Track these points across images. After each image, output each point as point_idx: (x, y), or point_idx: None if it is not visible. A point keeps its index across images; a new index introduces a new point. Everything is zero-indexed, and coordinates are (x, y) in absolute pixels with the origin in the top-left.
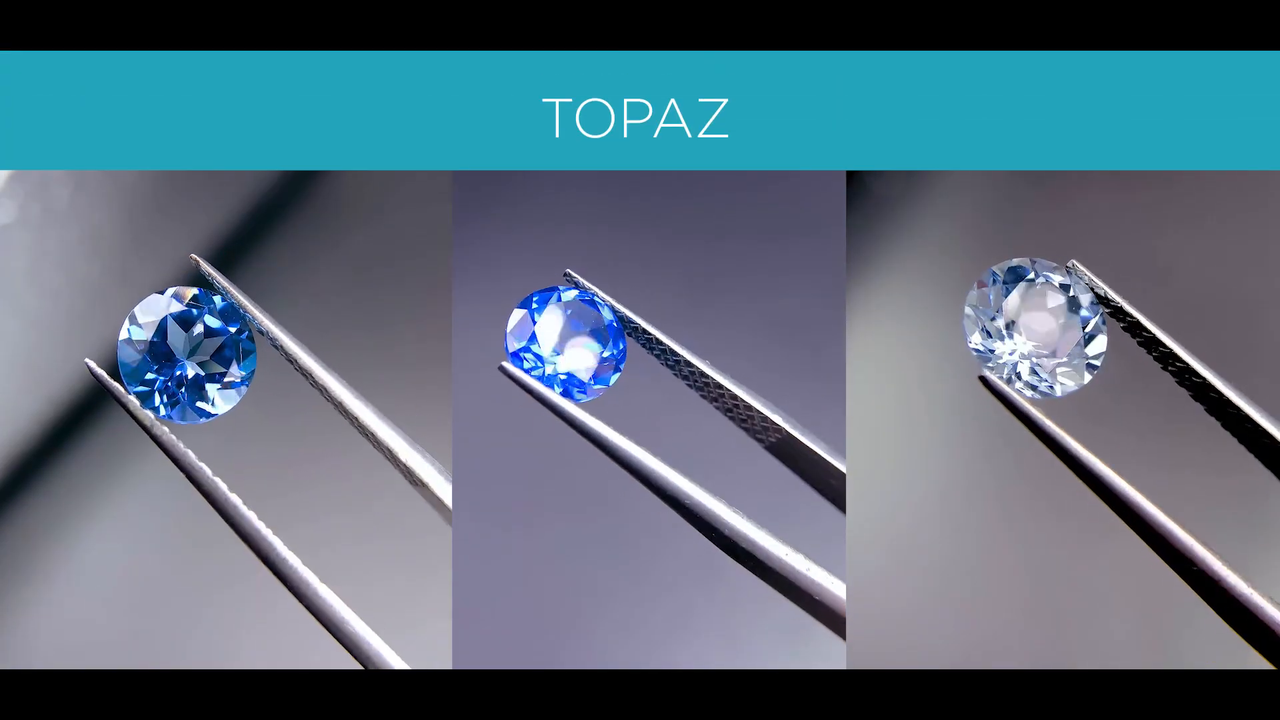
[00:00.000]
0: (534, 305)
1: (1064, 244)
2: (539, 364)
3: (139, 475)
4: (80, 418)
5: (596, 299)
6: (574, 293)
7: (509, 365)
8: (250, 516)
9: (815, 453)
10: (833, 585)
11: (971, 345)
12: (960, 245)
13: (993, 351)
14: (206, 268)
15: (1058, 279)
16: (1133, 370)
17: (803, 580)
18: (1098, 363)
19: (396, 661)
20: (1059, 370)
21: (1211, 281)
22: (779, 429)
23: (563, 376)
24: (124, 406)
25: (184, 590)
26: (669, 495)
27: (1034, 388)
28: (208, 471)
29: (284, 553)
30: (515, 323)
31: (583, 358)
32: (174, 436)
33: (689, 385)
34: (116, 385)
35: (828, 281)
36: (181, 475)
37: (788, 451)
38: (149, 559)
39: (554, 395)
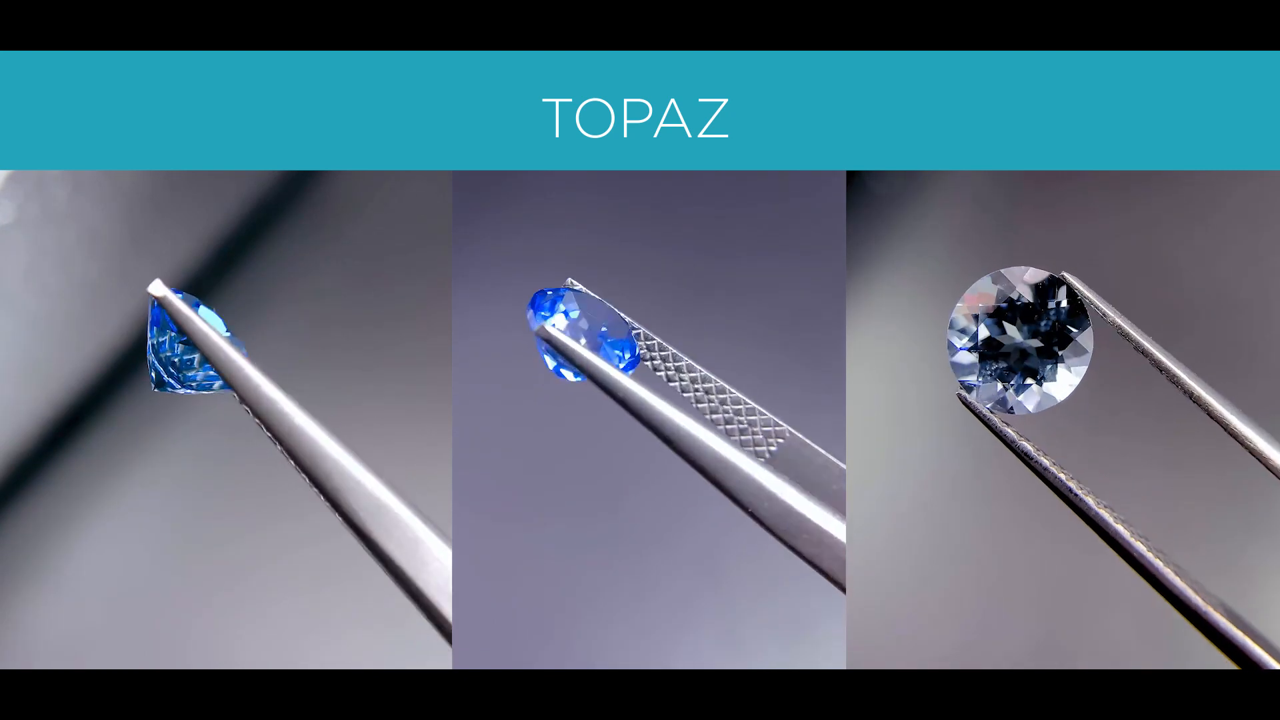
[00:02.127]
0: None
1: (1064, 244)
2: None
3: (139, 475)
4: (80, 418)
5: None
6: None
7: (544, 326)
8: (320, 436)
9: (819, 454)
10: (833, 527)
11: (951, 360)
12: (960, 245)
13: (982, 359)
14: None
15: (1048, 291)
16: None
17: (828, 541)
18: (1080, 374)
19: (437, 543)
20: (1034, 387)
21: (1212, 282)
22: (782, 433)
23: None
24: (181, 324)
25: (184, 590)
26: (696, 460)
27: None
28: (269, 389)
29: (373, 488)
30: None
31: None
32: (230, 350)
33: (688, 395)
34: (184, 308)
35: (827, 281)
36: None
37: (792, 460)
38: (149, 559)
39: (589, 354)
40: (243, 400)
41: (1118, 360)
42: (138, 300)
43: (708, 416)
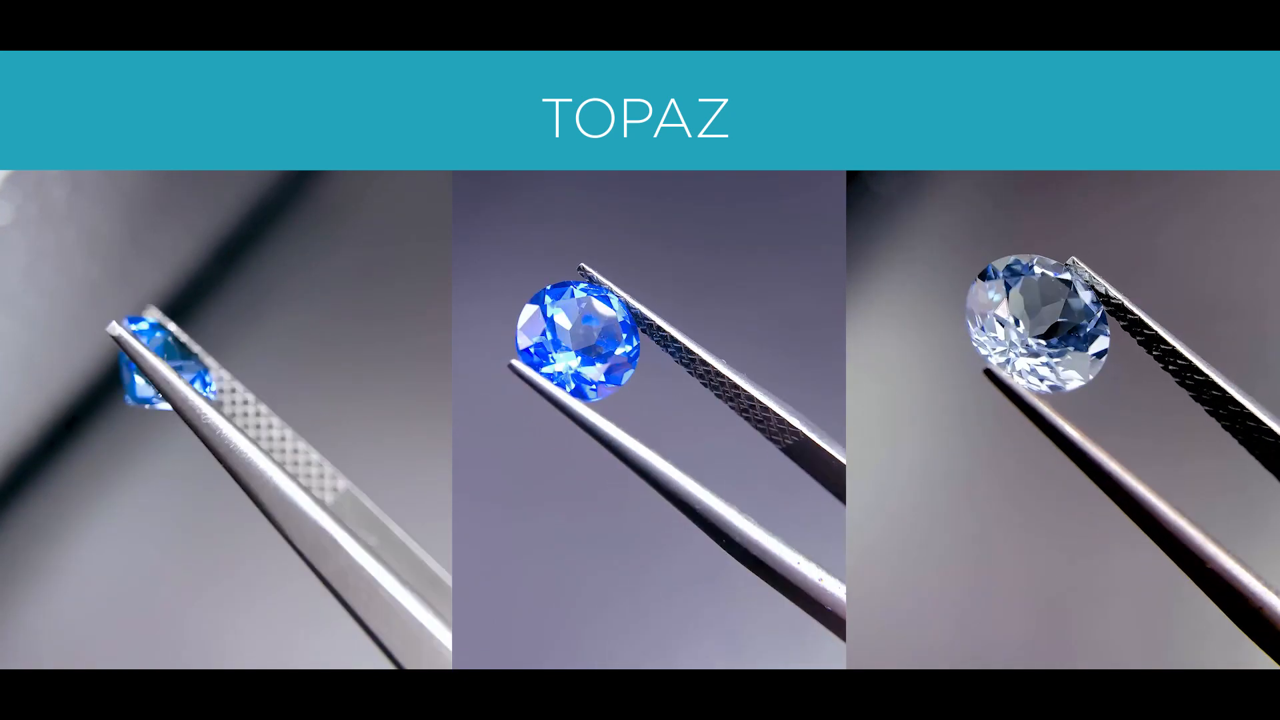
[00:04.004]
0: (546, 301)
1: (1064, 244)
2: (551, 362)
3: (138, 476)
4: (79, 419)
5: (610, 295)
6: (583, 288)
7: (518, 363)
8: (274, 474)
9: (832, 456)
10: (844, 596)
11: (974, 340)
12: (960, 245)
13: (998, 344)
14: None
15: (1058, 276)
16: (1131, 369)
17: (815, 590)
18: (1102, 358)
19: (407, 598)
20: (1062, 366)
21: (1211, 282)
22: (796, 431)
23: (573, 374)
24: (140, 367)
25: (183, 590)
26: (679, 499)
27: (1039, 382)
28: (227, 431)
29: (316, 516)
30: (527, 319)
31: (605, 348)
32: (196, 400)
33: (704, 384)
34: (139, 345)
35: (828, 281)
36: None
37: (803, 454)
38: (148, 559)
39: (564, 395)
40: (201, 438)
41: (1116, 355)
42: (138, 300)
43: (728, 405)
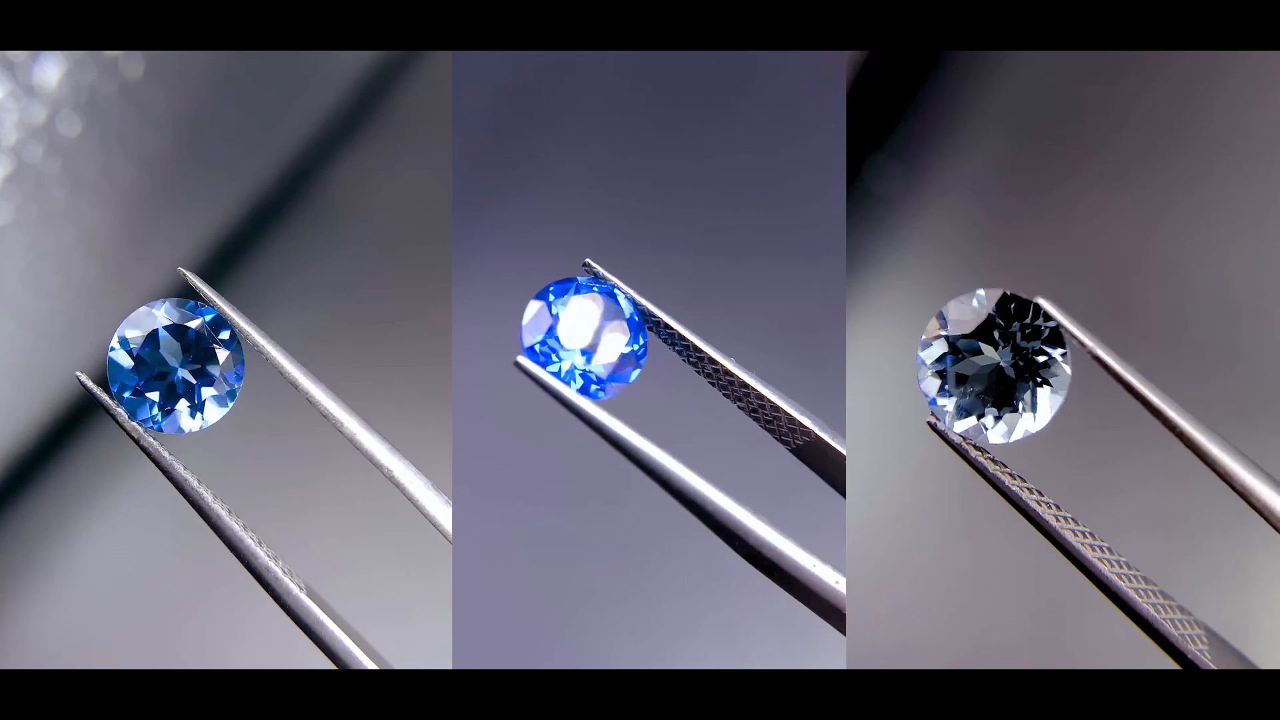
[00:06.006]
0: (550, 298)
1: (1063, 244)
2: (557, 359)
3: (137, 476)
4: (78, 419)
5: (616, 291)
6: (588, 283)
7: (525, 360)
8: (235, 525)
9: (842, 455)
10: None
11: (920, 383)
12: (960, 245)
13: (944, 390)
14: (194, 280)
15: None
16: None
17: (831, 594)
18: (1055, 408)
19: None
20: (1009, 416)
21: (1212, 281)
22: (807, 431)
23: (580, 372)
24: (113, 417)
25: (183, 591)
26: (688, 499)
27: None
28: (194, 480)
29: (267, 561)
30: (531, 316)
31: (613, 345)
32: (160, 446)
33: (711, 383)
34: (105, 396)
35: (827, 282)
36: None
37: (812, 454)
38: (147, 560)
39: (571, 393)
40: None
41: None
42: (137, 301)
43: (736, 405)
